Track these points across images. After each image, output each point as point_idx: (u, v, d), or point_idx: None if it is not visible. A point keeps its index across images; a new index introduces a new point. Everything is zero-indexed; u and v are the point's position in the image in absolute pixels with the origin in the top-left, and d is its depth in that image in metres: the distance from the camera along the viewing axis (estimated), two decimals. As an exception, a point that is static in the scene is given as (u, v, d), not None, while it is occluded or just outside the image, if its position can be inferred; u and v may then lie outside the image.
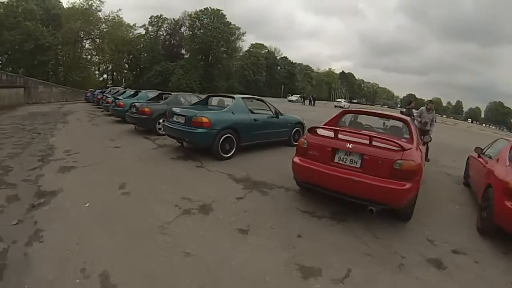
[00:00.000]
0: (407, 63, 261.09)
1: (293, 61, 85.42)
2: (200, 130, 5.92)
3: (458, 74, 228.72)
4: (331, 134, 3.90)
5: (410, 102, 9.99)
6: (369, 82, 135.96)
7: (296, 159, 3.99)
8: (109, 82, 61.19)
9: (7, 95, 19.69)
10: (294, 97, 49.74)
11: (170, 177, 5.07)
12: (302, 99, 47.92)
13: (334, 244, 3.16)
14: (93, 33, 56.07)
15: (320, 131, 4.09)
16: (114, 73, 65.83)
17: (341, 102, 48.29)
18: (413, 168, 3.44)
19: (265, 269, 2.62)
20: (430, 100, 9.47)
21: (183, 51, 69.91)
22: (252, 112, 7.03)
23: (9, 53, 47.18)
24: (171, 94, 10.57)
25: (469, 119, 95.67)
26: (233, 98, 7.03)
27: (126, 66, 67.06)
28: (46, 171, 5.09)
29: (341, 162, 3.67)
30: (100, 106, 17.73)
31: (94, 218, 3.43)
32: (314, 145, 3.90)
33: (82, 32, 53.92)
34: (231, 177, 5.08)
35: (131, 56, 65.60)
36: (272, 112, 7.61)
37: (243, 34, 73.29)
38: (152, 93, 12.24)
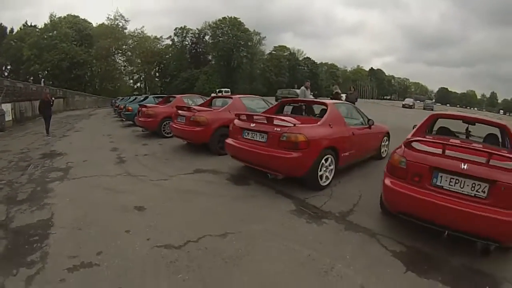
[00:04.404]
0: (452, 56, 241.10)
1: (317, 61, 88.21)
2: (127, 113, 13.39)
3: (505, 63, 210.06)
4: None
5: (350, 87, 13.09)
6: (399, 78, 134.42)
7: None
8: (137, 91, 67.33)
9: (50, 105, 26.96)
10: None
11: (108, 128, 12.93)
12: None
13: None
14: (122, 48, 64.91)
15: None
16: (146, 82, 73.62)
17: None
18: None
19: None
20: (352, 86, 13.15)
21: (210, 58, 74.26)
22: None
23: (49, 69, 56.30)
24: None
25: (501, 111, 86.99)
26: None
27: (157, 74, 74.52)
28: (68, 133, 12.77)
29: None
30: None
31: (76, 138, 11.05)
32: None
33: (113, 48, 62.77)
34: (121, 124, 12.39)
35: (161, 66, 72.25)
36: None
37: (263, 38, 77.89)
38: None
